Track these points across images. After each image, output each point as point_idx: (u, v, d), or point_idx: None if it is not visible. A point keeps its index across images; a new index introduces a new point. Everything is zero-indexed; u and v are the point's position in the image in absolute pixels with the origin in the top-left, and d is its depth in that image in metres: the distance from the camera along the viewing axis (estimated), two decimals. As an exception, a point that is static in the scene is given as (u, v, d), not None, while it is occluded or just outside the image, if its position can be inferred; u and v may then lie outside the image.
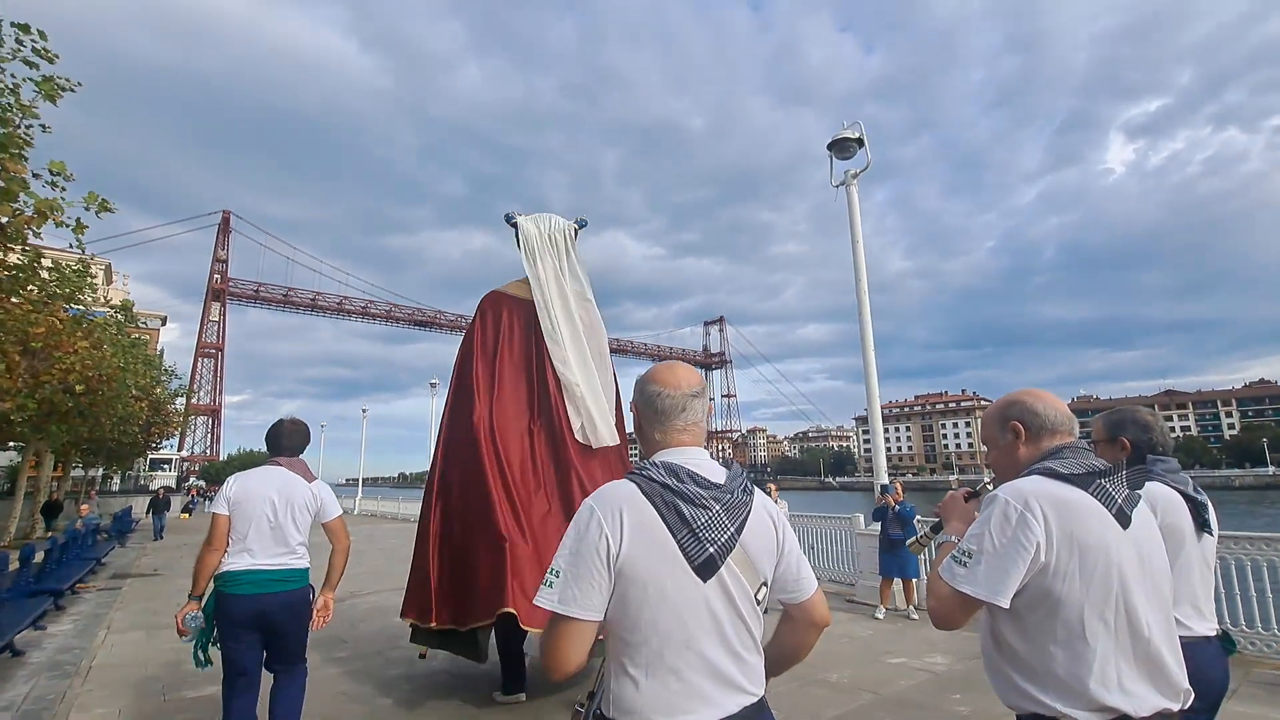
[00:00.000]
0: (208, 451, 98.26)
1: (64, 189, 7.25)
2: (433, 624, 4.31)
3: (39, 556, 8.35)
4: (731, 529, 1.32)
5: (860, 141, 8.79)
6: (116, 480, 43.81)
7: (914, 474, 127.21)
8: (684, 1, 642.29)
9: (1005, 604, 1.41)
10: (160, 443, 30.54)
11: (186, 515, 31.83)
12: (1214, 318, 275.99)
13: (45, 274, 12.01)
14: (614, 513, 1.27)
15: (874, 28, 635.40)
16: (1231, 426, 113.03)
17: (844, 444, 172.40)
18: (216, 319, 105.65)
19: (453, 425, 4.82)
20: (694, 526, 1.29)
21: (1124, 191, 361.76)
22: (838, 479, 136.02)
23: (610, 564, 1.24)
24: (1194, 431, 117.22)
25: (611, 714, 1.26)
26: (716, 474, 1.39)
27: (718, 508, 1.32)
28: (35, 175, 7.05)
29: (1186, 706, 1.42)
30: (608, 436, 4.86)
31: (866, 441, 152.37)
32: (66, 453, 21.17)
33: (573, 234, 5.42)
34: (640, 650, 1.25)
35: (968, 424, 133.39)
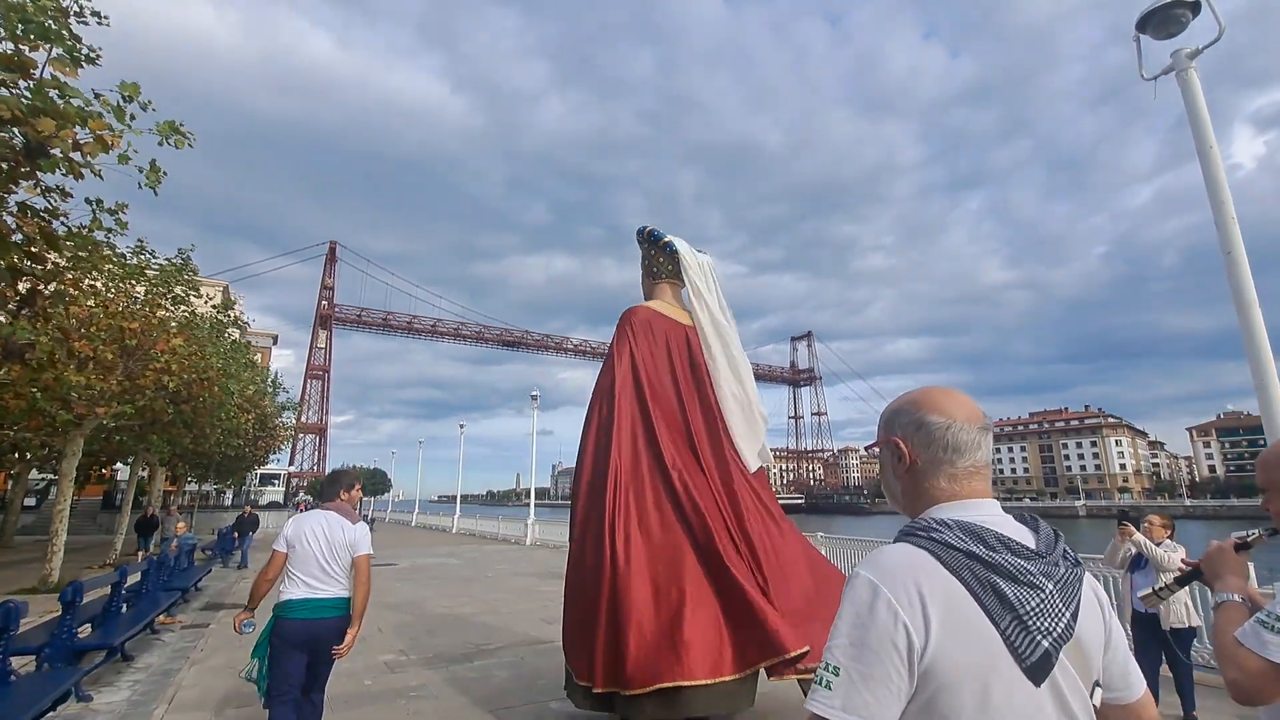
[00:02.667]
0: (315, 468, 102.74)
1: (132, 116, 5.57)
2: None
3: (101, 593, 6.68)
4: (1067, 615, 1.00)
5: (1195, 6, 5.93)
6: (229, 494, 45.20)
7: (1031, 499, 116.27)
8: (760, 24, 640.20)
9: None
10: (268, 457, 30.49)
11: (292, 531, 31.65)
12: None
13: (137, 263, 10.88)
14: (910, 593, 0.94)
15: (960, 31, 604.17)
16: None
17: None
18: (323, 345, 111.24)
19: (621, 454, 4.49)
20: (1020, 612, 0.96)
21: (1255, 188, 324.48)
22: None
23: (912, 663, 0.92)
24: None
25: None
26: (1024, 536, 1.06)
27: (1051, 587, 1.00)
28: (97, 95, 5.39)
29: None
30: (753, 461, 4.75)
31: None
32: (174, 465, 20.82)
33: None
34: None
35: (1094, 444, 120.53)
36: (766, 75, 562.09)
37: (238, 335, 17.44)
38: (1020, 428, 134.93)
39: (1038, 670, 0.96)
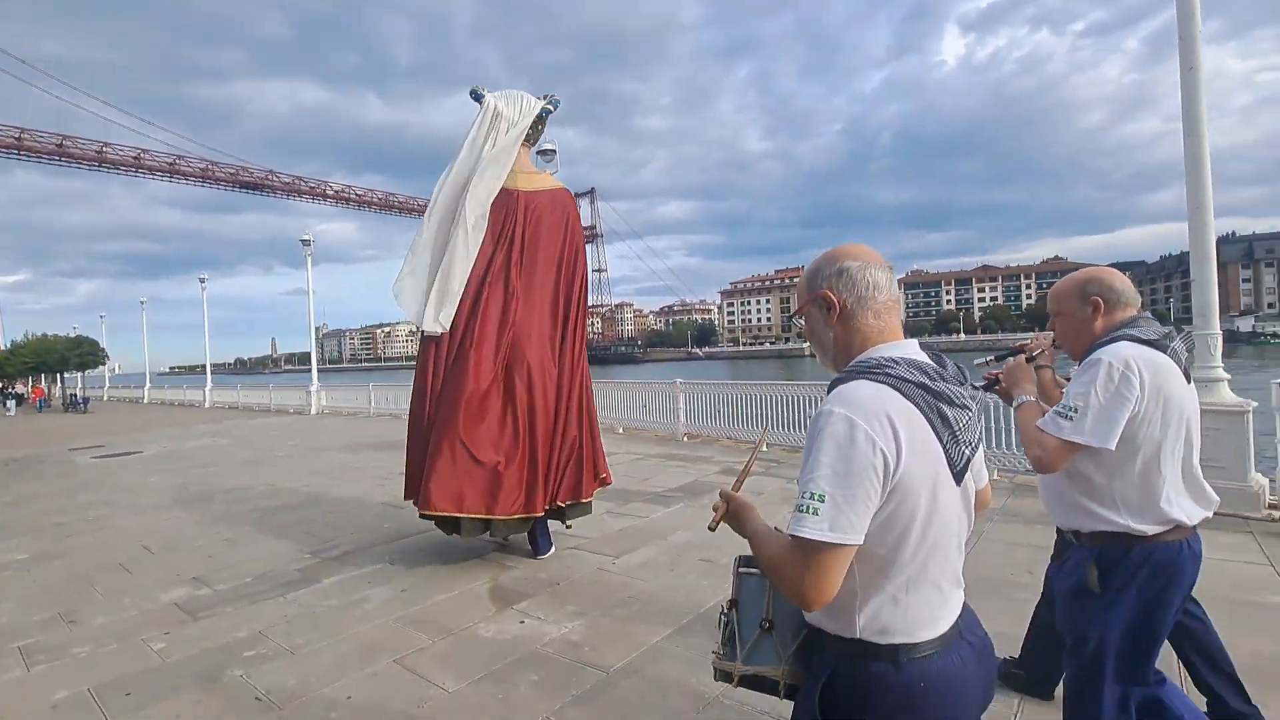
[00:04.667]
0: (-21, 340, 78.84)
1: None
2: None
3: None
4: (979, 428, 1.26)
5: None
6: None
7: (771, 343, 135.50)
8: None
9: (1113, 447, 1.75)
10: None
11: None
12: (1015, 203, 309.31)
13: None
14: (882, 423, 1.09)
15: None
16: (1029, 296, 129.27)
17: (707, 317, 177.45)
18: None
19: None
20: (955, 429, 1.17)
21: (953, 84, 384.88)
22: (703, 349, 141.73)
23: (886, 482, 1.10)
24: (1000, 300, 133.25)
25: (861, 635, 1.17)
26: (945, 367, 1.25)
27: (974, 407, 1.23)
28: None
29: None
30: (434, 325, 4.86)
31: (730, 314, 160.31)
32: None
33: (538, 115, 5.31)
34: (905, 567, 1.15)
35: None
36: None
37: None
38: (766, 283, 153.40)
39: (960, 474, 1.19)
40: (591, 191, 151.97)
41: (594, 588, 4.25)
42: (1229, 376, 5.55)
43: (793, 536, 1.08)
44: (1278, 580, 4.08)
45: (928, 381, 1.14)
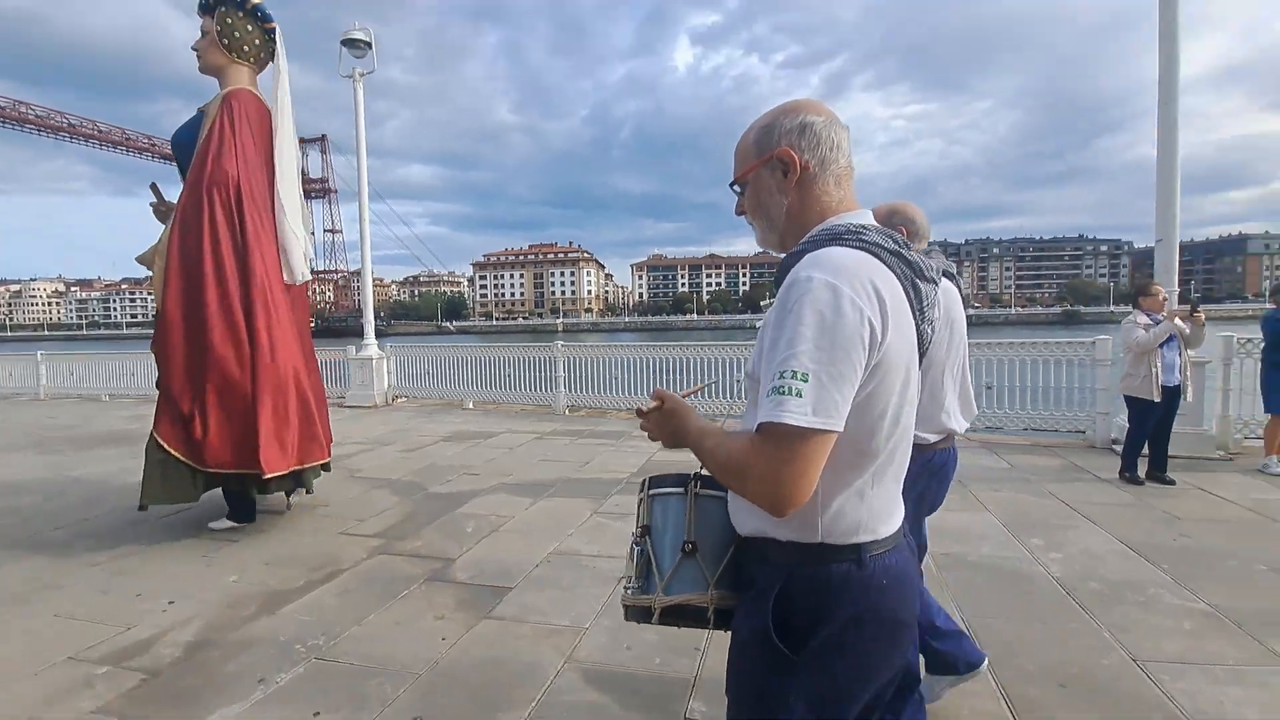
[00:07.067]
0: None
1: None
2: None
3: None
4: (939, 305, 1.13)
5: None
6: None
7: (524, 318, 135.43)
8: None
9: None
10: None
11: None
12: (729, 201, 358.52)
13: None
14: (868, 290, 0.92)
15: None
16: (745, 284, 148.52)
17: (457, 290, 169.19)
18: None
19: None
20: (924, 305, 1.03)
21: (681, 90, 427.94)
22: (454, 323, 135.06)
23: (871, 356, 0.92)
24: (724, 286, 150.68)
25: (824, 539, 0.98)
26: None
27: (938, 282, 1.07)
28: None
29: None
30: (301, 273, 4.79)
31: (483, 287, 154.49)
32: None
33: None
34: (876, 457, 0.99)
35: (572, 273, 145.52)
36: None
37: None
38: (521, 257, 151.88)
39: (921, 355, 1.04)
40: (323, 139, 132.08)
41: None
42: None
43: (769, 425, 0.88)
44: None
45: (901, 250, 1.00)
